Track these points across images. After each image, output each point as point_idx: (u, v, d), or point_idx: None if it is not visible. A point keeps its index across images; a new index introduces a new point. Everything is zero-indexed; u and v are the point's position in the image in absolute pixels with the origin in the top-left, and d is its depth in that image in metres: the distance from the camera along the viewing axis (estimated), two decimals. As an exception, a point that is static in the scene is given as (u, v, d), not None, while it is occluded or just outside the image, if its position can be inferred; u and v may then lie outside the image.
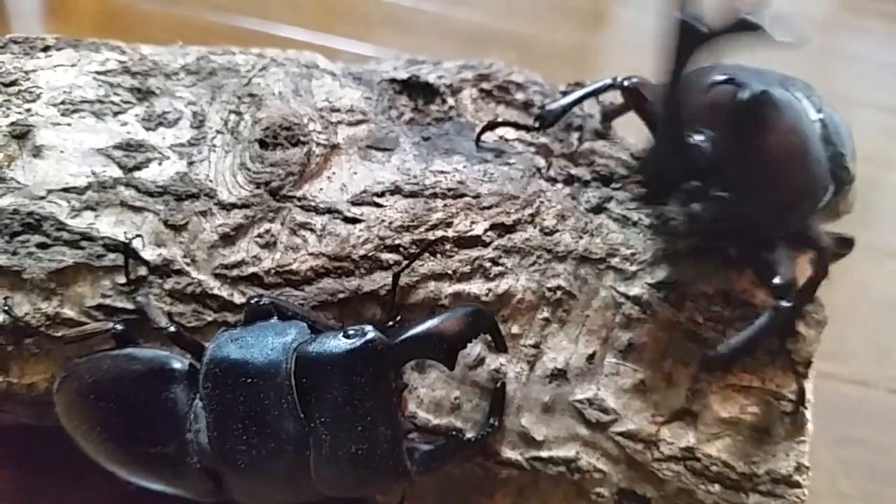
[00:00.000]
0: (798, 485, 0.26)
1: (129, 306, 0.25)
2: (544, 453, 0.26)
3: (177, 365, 0.24)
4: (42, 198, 0.25)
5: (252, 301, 0.24)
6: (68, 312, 0.25)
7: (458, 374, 0.25)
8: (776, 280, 0.24)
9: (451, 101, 0.29)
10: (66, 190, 0.25)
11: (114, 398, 0.25)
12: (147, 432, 0.24)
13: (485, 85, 0.29)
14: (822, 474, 0.37)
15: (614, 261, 0.26)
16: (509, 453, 0.26)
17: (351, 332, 0.23)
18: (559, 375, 0.26)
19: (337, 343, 0.23)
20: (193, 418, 0.23)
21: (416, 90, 0.29)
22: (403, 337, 0.23)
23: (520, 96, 0.29)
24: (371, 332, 0.22)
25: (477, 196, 0.26)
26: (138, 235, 0.25)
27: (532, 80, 0.30)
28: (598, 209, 0.26)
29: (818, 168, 0.25)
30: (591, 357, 0.26)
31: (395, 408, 0.23)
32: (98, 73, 0.28)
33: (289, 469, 0.23)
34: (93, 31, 0.62)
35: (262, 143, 0.26)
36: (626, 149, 0.29)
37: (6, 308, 0.25)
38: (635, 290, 0.26)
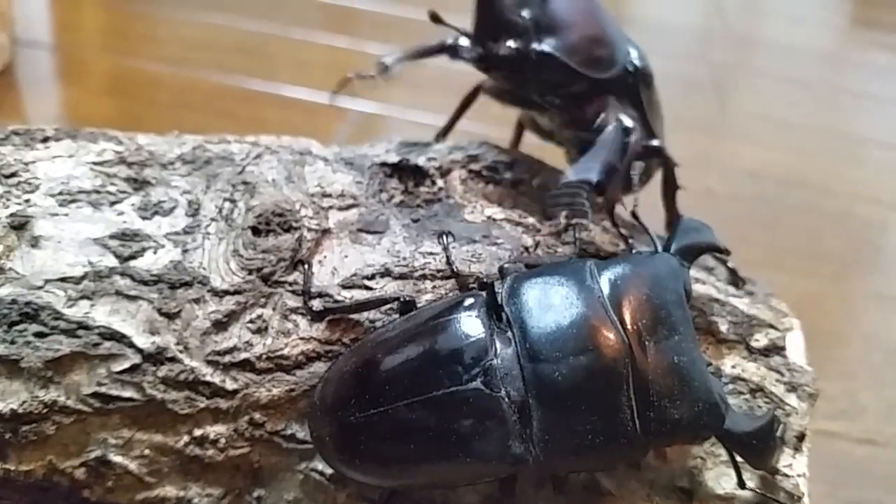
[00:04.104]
0: (796, 561, 0.25)
1: (125, 394, 0.25)
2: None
3: (469, 300, 0.23)
4: (40, 287, 0.26)
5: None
6: (65, 400, 0.26)
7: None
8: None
9: (440, 182, 0.29)
10: (63, 280, 0.26)
11: (402, 352, 0.23)
12: (449, 369, 0.22)
13: (473, 166, 0.30)
14: (833, 538, 0.36)
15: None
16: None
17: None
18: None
19: (636, 259, 0.24)
20: (495, 346, 0.22)
21: (407, 173, 0.29)
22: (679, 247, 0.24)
23: (508, 175, 0.30)
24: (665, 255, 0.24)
25: (466, 277, 0.26)
26: None
27: (520, 160, 0.30)
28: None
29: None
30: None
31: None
32: (95, 163, 0.29)
33: (607, 385, 0.22)
34: (104, 93, 0.64)
35: (255, 230, 0.27)
36: (617, 225, 0.29)
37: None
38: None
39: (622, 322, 0.22)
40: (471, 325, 0.23)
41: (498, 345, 0.22)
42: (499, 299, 0.23)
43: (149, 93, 0.62)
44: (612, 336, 0.22)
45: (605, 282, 0.23)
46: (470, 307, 0.23)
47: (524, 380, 0.22)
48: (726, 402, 0.23)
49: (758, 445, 0.23)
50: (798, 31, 0.81)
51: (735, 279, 0.30)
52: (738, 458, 0.24)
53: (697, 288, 0.28)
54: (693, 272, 0.29)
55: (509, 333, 0.22)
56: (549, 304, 0.22)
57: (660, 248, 0.24)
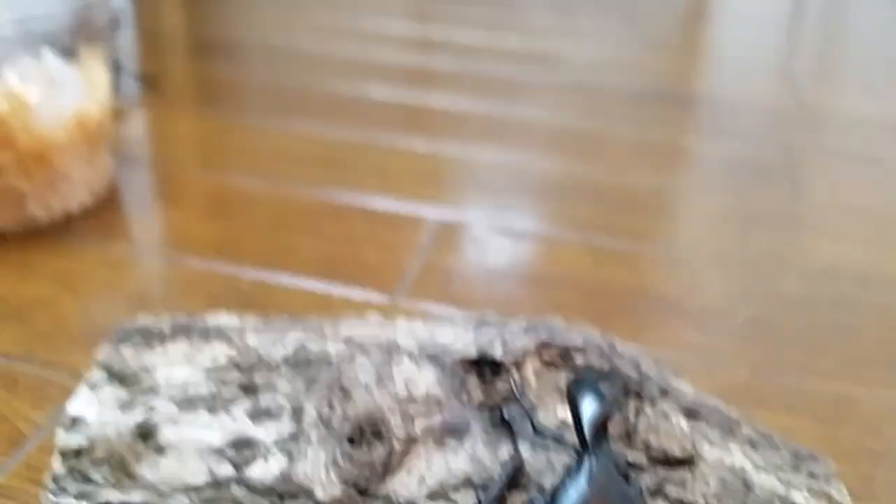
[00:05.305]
0: None
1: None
2: None
3: None
4: (166, 495, 0.29)
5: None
6: None
7: None
8: None
9: (516, 375, 0.31)
10: (186, 489, 0.29)
11: None
12: None
13: (546, 355, 0.32)
14: None
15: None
16: None
17: None
18: None
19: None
20: None
21: (484, 365, 0.32)
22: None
23: (580, 360, 0.32)
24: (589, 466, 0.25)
25: (541, 489, 0.28)
26: None
27: (590, 341, 0.33)
28: (656, 492, 0.29)
29: None
30: None
31: None
32: (210, 369, 0.32)
33: None
34: (204, 214, 0.68)
35: (350, 440, 0.30)
36: (683, 408, 0.31)
37: None
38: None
39: None
40: None
41: None
42: None
43: (244, 211, 0.67)
44: None
45: None
46: None
47: None
48: None
49: None
50: (875, 104, 0.80)
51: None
52: None
53: (762, 481, 0.29)
54: (758, 456, 0.30)
55: None
56: None
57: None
